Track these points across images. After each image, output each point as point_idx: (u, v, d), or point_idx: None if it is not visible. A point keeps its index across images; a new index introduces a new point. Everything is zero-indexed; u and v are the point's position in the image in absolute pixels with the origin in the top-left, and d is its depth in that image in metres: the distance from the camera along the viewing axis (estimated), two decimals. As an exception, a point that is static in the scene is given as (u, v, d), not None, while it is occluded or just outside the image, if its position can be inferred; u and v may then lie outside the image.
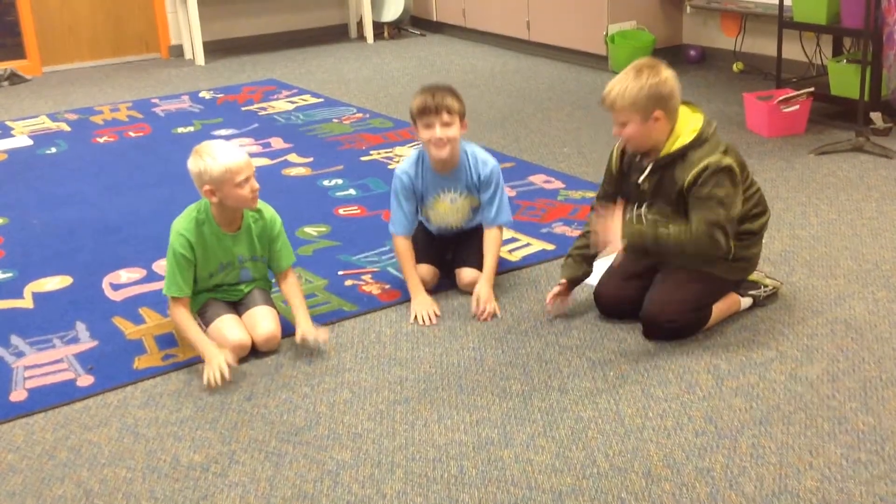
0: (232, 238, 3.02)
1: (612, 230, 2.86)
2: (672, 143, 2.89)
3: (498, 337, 3.08)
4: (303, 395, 2.80)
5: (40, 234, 4.16)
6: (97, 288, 3.57)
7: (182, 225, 2.98)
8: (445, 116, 3.19)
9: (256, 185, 2.96)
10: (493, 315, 3.20)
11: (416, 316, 3.20)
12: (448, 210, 3.39)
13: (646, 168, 2.95)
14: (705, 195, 2.83)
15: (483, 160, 3.34)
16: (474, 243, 3.40)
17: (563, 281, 3.18)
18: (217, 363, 2.82)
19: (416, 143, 5.09)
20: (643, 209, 3.00)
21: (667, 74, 2.86)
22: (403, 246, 3.32)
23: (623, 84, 2.86)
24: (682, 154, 2.88)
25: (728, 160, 2.85)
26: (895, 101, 4.90)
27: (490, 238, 3.33)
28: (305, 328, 2.99)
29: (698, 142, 2.87)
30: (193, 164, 2.92)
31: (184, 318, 2.95)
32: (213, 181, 2.89)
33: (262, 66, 7.57)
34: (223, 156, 2.90)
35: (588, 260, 3.16)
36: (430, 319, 3.19)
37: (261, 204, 3.07)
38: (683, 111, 2.93)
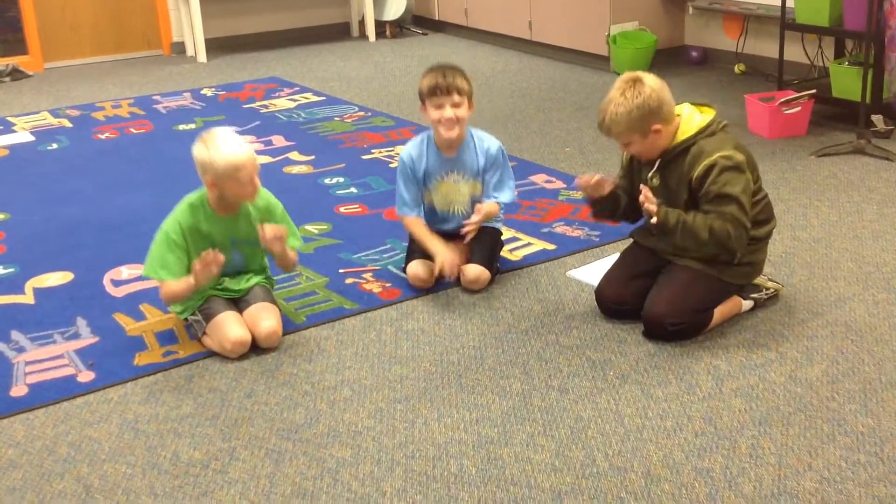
0: (228, 221, 3.04)
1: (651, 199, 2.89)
2: (679, 137, 2.92)
3: (498, 336, 3.08)
4: (303, 392, 2.80)
5: (41, 230, 4.16)
6: (98, 284, 3.57)
7: (178, 211, 3.03)
8: (456, 97, 3.25)
9: (258, 182, 2.98)
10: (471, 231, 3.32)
11: (441, 269, 3.27)
12: (451, 191, 3.43)
13: (654, 164, 2.97)
14: (717, 193, 2.84)
15: (488, 143, 3.42)
16: (479, 241, 3.41)
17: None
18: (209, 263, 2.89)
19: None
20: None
21: (651, 86, 2.84)
22: (412, 221, 3.41)
23: (613, 109, 2.85)
24: (688, 146, 2.89)
25: (739, 156, 2.86)
26: (896, 104, 4.91)
27: (488, 203, 3.39)
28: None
29: (704, 133, 2.89)
30: (199, 152, 2.94)
31: (174, 287, 2.97)
32: (216, 175, 2.91)
33: (265, 63, 7.57)
34: (230, 151, 2.90)
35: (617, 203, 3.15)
36: (451, 271, 3.26)
37: (263, 194, 3.10)
38: (691, 111, 2.95)
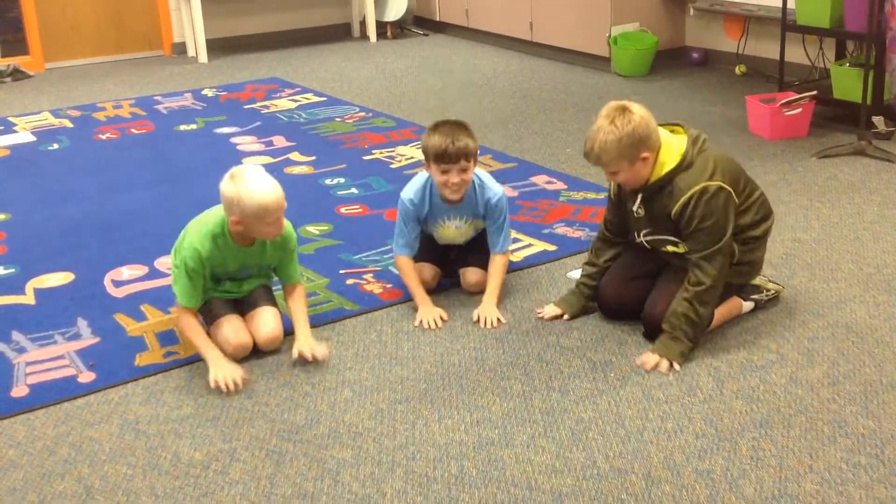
0: (244, 250, 3.00)
1: (655, 364, 2.84)
2: (659, 171, 2.88)
3: (499, 337, 3.08)
4: (304, 393, 2.80)
5: (42, 231, 4.16)
6: (99, 284, 3.57)
7: (197, 238, 2.92)
8: (463, 162, 3.12)
9: (284, 222, 2.92)
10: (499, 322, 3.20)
11: (421, 321, 3.18)
12: (452, 234, 3.39)
13: (637, 196, 2.96)
14: (695, 229, 2.84)
15: (491, 191, 3.28)
16: (479, 244, 3.40)
17: (564, 315, 3.18)
18: (231, 375, 2.82)
19: (418, 143, 5.10)
20: (642, 236, 3.03)
21: (640, 114, 2.81)
22: (405, 263, 3.30)
23: (602, 138, 2.80)
24: (668, 180, 2.87)
25: (715, 183, 2.83)
26: (897, 106, 4.90)
27: (496, 264, 3.28)
28: (303, 345, 2.96)
29: (682, 166, 2.85)
30: (227, 189, 2.84)
31: (193, 327, 2.93)
32: (243, 215, 2.83)
33: (265, 64, 7.57)
34: (260, 193, 2.81)
35: (593, 294, 3.18)
36: (436, 324, 3.17)
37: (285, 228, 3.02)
38: (665, 136, 2.91)
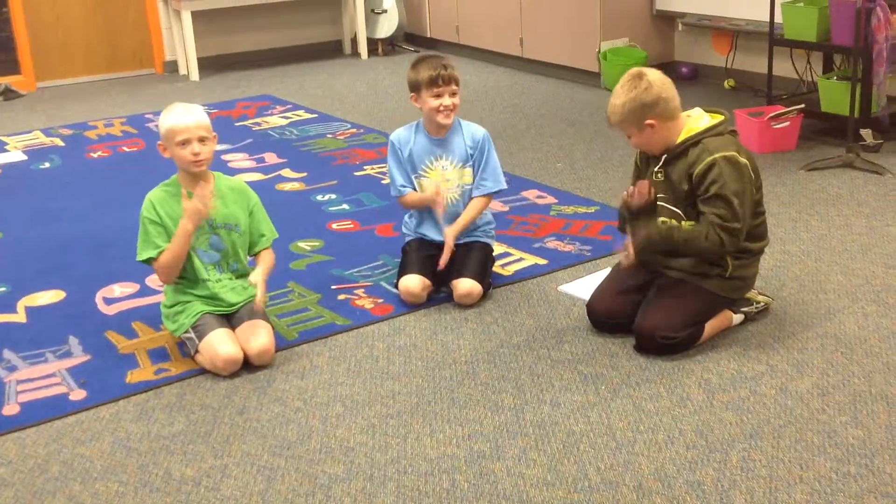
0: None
1: (628, 261, 3.01)
2: (686, 134, 2.96)
3: (490, 351, 3.09)
4: (295, 408, 2.80)
5: (34, 249, 4.16)
6: (90, 302, 3.57)
7: (150, 193, 3.12)
8: (454, 86, 3.41)
9: (198, 150, 3.02)
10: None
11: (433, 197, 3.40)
12: (439, 178, 3.47)
13: (660, 159, 3.01)
14: (714, 193, 2.88)
15: (474, 128, 3.55)
16: (470, 255, 3.42)
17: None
18: (197, 201, 2.96)
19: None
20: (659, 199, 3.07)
21: (649, 81, 2.91)
22: (408, 195, 3.48)
23: (613, 101, 2.96)
24: (695, 142, 2.93)
25: (741, 158, 2.91)
26: (884, 118, 4.93)
27: (474, 202, 3.49)
28: (257, 278, 3.07)
29: (710, 132, 2.94)
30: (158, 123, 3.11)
31: (164, 252, 3.02)
32: (162, 138, 3.06)
33: (257, 81, 7.60)
34: (173, 116, 3.03)
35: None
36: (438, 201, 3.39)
37: (237, 181, 3.25)
38: (701, 113, 3.01)
